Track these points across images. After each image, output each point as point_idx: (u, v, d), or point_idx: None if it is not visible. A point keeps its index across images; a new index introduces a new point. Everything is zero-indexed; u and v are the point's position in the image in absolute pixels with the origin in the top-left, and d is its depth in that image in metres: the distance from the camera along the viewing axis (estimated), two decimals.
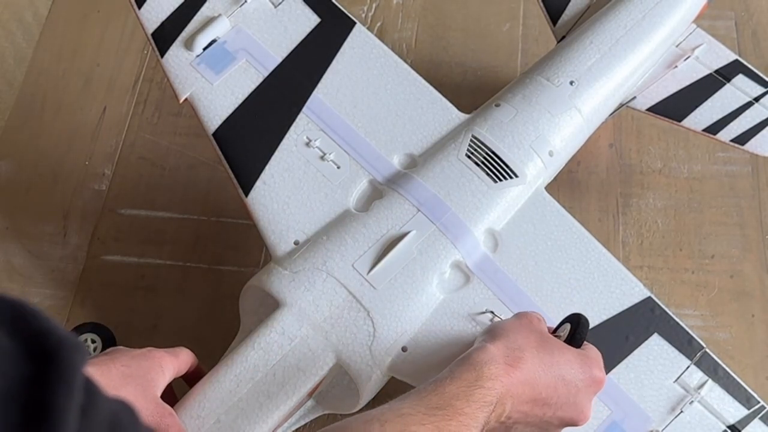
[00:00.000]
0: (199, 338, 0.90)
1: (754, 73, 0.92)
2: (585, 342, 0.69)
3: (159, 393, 0.68)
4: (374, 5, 1.15)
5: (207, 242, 0.97)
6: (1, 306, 0.33)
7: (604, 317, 0.75)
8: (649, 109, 0.90)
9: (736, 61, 0.92)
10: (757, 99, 0.90)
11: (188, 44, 0.85)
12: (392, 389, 0.76)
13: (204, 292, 0.93)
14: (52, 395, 0.32)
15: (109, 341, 0.87)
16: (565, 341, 0.67)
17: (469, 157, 0.80)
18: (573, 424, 0.66)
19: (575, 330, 0.68)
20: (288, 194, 0.79)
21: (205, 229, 0.97)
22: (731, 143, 0.88)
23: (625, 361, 0.74)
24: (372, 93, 0.85)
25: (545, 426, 0.65)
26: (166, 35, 0.85)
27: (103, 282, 0.94)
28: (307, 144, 0.82)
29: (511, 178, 0.80)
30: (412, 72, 0.87)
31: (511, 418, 0.63)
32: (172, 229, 0.97)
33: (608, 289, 0.76)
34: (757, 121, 0.89)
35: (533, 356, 0.63)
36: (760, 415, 0.72)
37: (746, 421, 0.71)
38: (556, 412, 0.64)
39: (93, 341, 0.87)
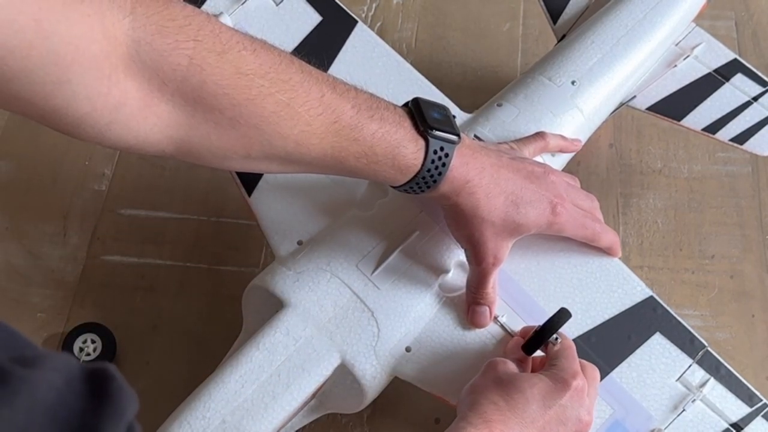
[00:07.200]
0: (199, 338, 0.90)
1: (753, 73, 0.92)
2: (560, 334, 0.69)
3: None
4: (374, 5, 1.15)
5: (207, 242, 0.96)
6: (97, 367, 0.37)
7: (607, 317, 0.75)
8: (648, 108, 0.91)
9: (735, 60, 0.92)
10: (755, 98, 0.90)
11: None
12: (393, 389, 0.76)
13: (204, 292, 0.93)
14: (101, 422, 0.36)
15: (109, 341, 0.87)
16: (523, 347, 0.69)
17: None
18: None
19: (533, 338, 0.69)
20: (292, 194, 0.79)
21: (205, 229, 0.97)
22: (730, 142, 0.88)
23: (628, 360, 0.73)
24: (374, 91, 0.84)
25: None
26: None
27: (103, 282, 0.94)
28: None
29: None
30: (414, 71, 0.86)
31: None
32: (172, 229, 0.97)
33: (610, 289, 0.76)
34: (756, 120, 0.89)
35: (505, 405, 0.64)
36: (762, 412, 0.72)
37: (749, 419, 0.71)
38: None
39: (93, 341, 0.87)
